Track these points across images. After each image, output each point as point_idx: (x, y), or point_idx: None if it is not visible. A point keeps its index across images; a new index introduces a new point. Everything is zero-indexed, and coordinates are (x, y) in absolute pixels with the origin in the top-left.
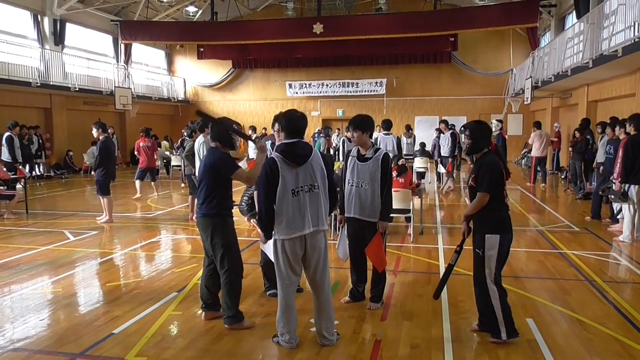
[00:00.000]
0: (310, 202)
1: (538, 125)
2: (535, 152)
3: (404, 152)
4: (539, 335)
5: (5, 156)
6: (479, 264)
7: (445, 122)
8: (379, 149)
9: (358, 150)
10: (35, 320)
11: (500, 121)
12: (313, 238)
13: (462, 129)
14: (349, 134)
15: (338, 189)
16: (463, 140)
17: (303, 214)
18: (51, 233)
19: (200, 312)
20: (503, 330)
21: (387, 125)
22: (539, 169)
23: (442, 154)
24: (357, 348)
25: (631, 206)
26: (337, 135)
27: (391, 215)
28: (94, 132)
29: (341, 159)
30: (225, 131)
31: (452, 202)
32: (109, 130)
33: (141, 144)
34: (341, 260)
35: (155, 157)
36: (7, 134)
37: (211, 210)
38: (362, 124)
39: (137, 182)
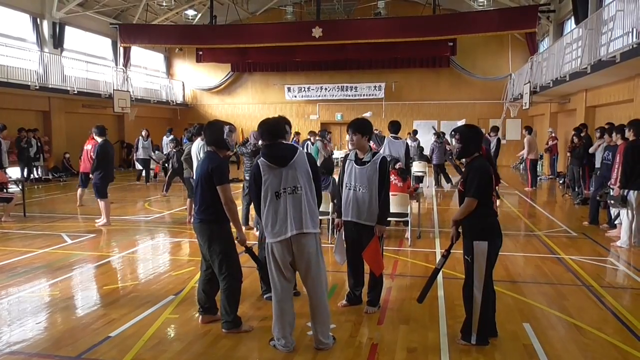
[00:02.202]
0: (293, 204)
1: (529, 130)
2: (530, 155)
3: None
4: (535, 340)
5: None
6: (468, 270)
7: (496, 128)
8: (377, 152)
9: (356, 154)
10: (32, 323)
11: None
12: (298, 242)
13: (453, 133)
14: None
15: (330, 191)
16: (453, 144)
17: (285, 217)
18: (49, 236)
19: (197, 315)
20: (474, 336)
21: (395, 128)
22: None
23: None
24: (353, 352)
25: (630, 211)
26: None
27: (389, 219)
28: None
29: None
30: (218, 133)
31: (451, 207)
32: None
33: (85, 147)
34: (338, 264)
35: None
36: None
37: (209, 216)
38: (361, 127)
39: (80, 190)
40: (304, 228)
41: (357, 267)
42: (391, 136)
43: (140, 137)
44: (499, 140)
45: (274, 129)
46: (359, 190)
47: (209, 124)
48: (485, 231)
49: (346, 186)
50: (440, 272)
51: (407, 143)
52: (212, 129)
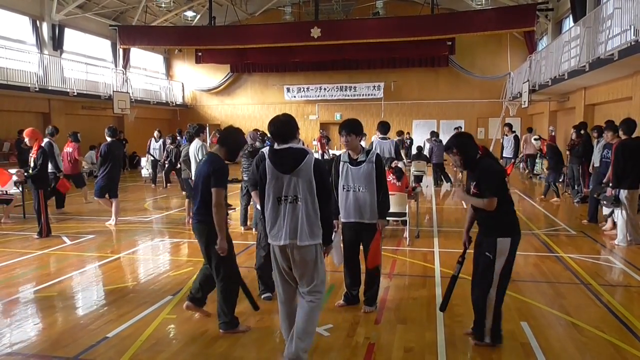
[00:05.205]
0: (291, 213)
1: (530, 130)
2: (527, 150)
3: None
4: (533, 339)
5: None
6: (487, 268)
7: (509, 125)
8: (370, 150)
9: (349, 154)
10: (30, 324)
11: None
12: (296, 252)
13: (447, 149)
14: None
15: None
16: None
17: (281, 224)
18: (48, 237)
19: (194, 314)
20: (488, 336)
21: (384, 128)
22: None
23: (505, 155)
24: (350, 351)
25: (624, 210)
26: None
27: (387, 218)
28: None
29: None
30: (239, 146)
31: (449, 206)
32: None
33: (65, 149)
34: (335, 265)
35: (83, 163)
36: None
37: (207, 217)
38: (355, 128)
39: None
40: (298, 240)
41: (354, 267)
42: (380, 137)
43: (152, 138)
44: (516, 138)
45: (282, 131)
46: (359, 190)
47: (235, 134)
48: (508, 228)
49: (343, 188)
50: (439, 270)
51: (396, 142)
52: (236, 141)
